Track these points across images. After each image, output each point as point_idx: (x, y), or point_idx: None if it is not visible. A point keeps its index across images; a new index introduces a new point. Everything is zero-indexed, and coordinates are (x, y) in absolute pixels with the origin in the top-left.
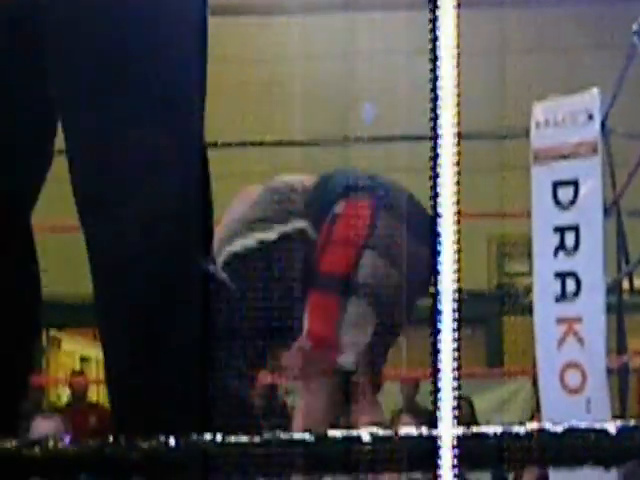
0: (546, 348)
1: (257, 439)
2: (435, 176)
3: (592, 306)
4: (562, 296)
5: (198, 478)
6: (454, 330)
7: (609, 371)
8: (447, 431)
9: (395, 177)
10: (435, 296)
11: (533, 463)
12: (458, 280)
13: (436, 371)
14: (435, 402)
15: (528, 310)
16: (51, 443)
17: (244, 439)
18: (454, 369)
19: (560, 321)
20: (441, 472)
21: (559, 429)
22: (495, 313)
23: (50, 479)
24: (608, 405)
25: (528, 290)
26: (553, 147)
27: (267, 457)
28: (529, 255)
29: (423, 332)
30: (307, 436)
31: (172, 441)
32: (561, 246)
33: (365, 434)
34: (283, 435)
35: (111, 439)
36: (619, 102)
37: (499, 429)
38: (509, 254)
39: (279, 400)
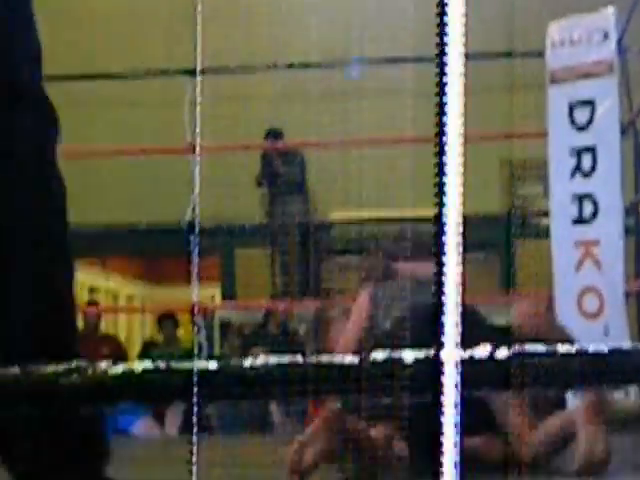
0: (563, 272)
1: (307, 361)
2: (442, 95)
3: (609, 229)
4: (579, 219)
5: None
6: (459, 258)
7: (627, 295)
8: (451, 354)
9: (403, 101)
10: (440, 218)
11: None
12: (463, 203)
13: (441, 293)
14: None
15: (543, 233)
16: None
17: (296, 359)
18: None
19: (578, 244)
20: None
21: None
22: (508, 237)
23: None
24: (626, 330)
25: (542, 213)
26: (569, 67)
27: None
28: (543, 177)
29: None
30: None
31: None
32: (578, 168)
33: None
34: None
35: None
36: (635, 21)
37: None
38: (522, 177)
39: (291, 328)
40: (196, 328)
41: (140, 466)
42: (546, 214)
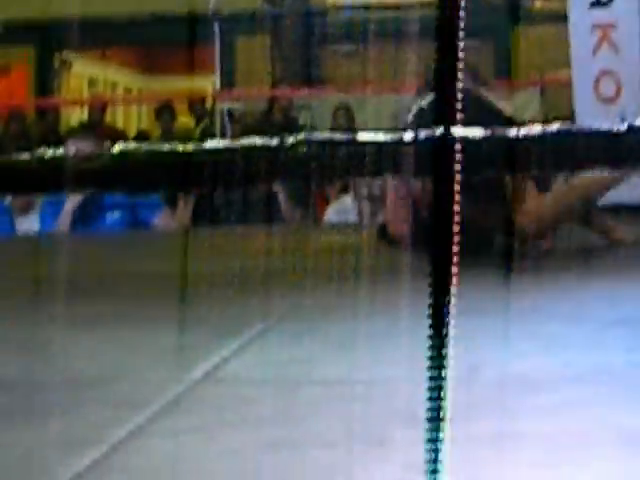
0: (580, 56)
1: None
2: None
3: (627, 11)
4: (596, 1)
5: None
6: None
7: None
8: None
9: None
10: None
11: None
12: None
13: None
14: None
15: (540, 20)
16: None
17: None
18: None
19: (594, 28)
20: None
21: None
22: (504, 24)
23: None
24: None
25: None
26: None
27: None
28: None
29: None
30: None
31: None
32: None
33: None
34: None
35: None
36: None
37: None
38: None
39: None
40: (197, 115)
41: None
42: None
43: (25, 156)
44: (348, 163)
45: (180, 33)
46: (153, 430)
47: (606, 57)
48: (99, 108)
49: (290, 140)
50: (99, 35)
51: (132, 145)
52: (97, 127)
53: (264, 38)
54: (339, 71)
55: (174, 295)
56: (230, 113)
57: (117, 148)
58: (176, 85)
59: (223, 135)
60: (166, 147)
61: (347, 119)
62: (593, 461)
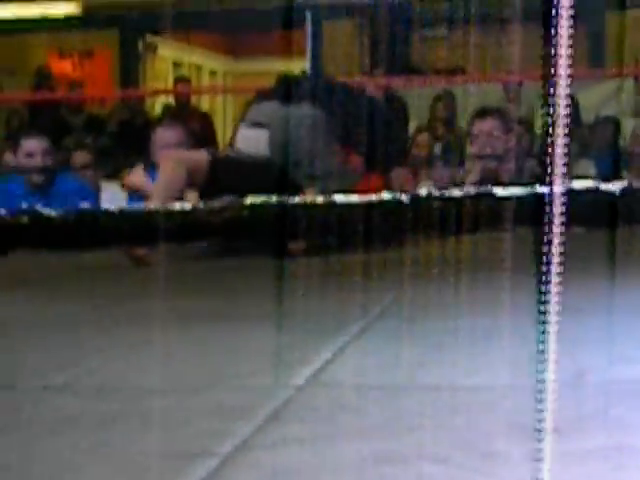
0: None
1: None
2: None
3: None
4: None
5: None
6: None
7: None
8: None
9: None
10: None
11: None
12: None
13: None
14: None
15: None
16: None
17: None
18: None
19: None
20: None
21: None
22: (600, 7)
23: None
24: None
25: None
26: None
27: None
28: None
29: None
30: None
31: None
32: None
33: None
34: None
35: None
36: None
37: None
38: None
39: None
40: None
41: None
42: None
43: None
44: None
45: (267, 18)
46: (261, 442)
47: None
48: (185, 93)
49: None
50: (182, 19)
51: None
52: (184, 113)
53: (353, 23)
54: (433, 57)
55: (270, 290)
56: None
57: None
58: (262, 68)
59: None
60: None
61: (447, 108)
62: None
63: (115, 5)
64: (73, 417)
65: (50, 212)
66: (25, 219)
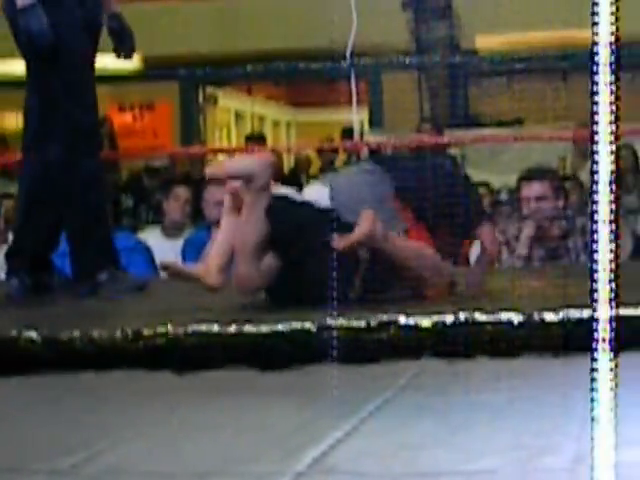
0: None
1: None
2: None
3: None
4: None
5: None
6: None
7: None
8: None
9: None
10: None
11: None
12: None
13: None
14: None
15: None
16: None
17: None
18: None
19: None
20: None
21: None
22: None
23: None
24: None
25: None
26: None
27: None
28: None
29: None
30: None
31: None
32: None
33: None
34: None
35: None
36: None
37: None
38: None
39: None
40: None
41: None
42: None
43: None
44: None
45: (325, 68)
46: None
47: None
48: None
49: None
50: (243, 70)
51: None
52: None
53: (411, 75)
54: (489, 107)
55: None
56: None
57: None
58: (323, 119)
59: None
60: None
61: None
62: None
63: (175, 57)
64: None
65: None
66: None
